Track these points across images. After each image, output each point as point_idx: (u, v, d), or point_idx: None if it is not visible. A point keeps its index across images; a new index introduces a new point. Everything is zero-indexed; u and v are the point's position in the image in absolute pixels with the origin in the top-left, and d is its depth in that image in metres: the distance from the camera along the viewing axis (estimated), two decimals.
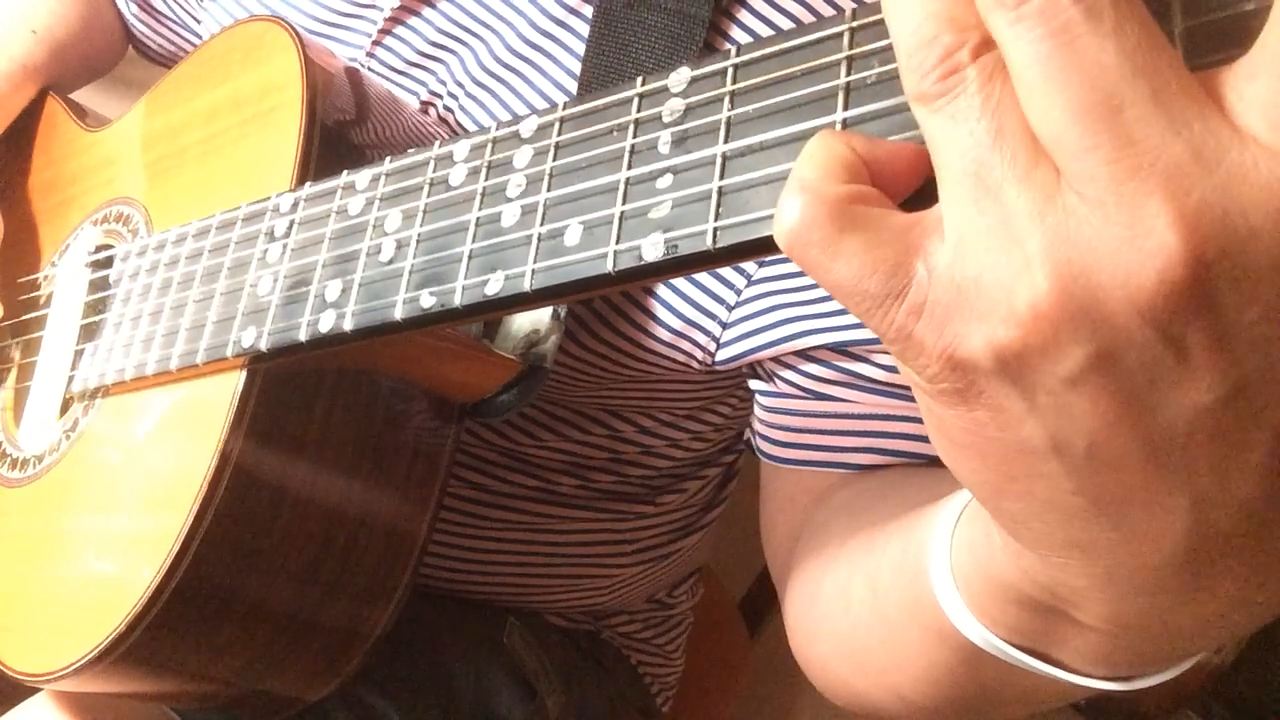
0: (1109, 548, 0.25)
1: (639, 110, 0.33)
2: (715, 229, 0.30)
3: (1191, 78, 0.21)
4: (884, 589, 0.41)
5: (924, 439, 0.51)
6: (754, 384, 0.58)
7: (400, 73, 0.62)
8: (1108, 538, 0.25)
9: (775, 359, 0.55)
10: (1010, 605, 0.32)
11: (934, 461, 0.51)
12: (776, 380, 0.56)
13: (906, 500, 0.44)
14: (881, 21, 0.27)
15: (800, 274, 0.53)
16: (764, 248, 0.29)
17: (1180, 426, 0.23)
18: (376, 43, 0.62)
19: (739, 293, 0.54)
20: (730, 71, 0.31)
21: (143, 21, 0.79)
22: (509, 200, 0.37)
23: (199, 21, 0.75)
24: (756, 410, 0.58)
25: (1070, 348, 0.22)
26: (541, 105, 0.57)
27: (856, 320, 0.51)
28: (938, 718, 0.42)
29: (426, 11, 0.61)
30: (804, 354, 0.53)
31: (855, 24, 0.28)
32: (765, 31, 0.52)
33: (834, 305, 0.52)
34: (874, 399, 0.52)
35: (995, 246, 0.22)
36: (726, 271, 0.54)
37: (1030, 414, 0.23)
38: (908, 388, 0.51)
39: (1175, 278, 0.21)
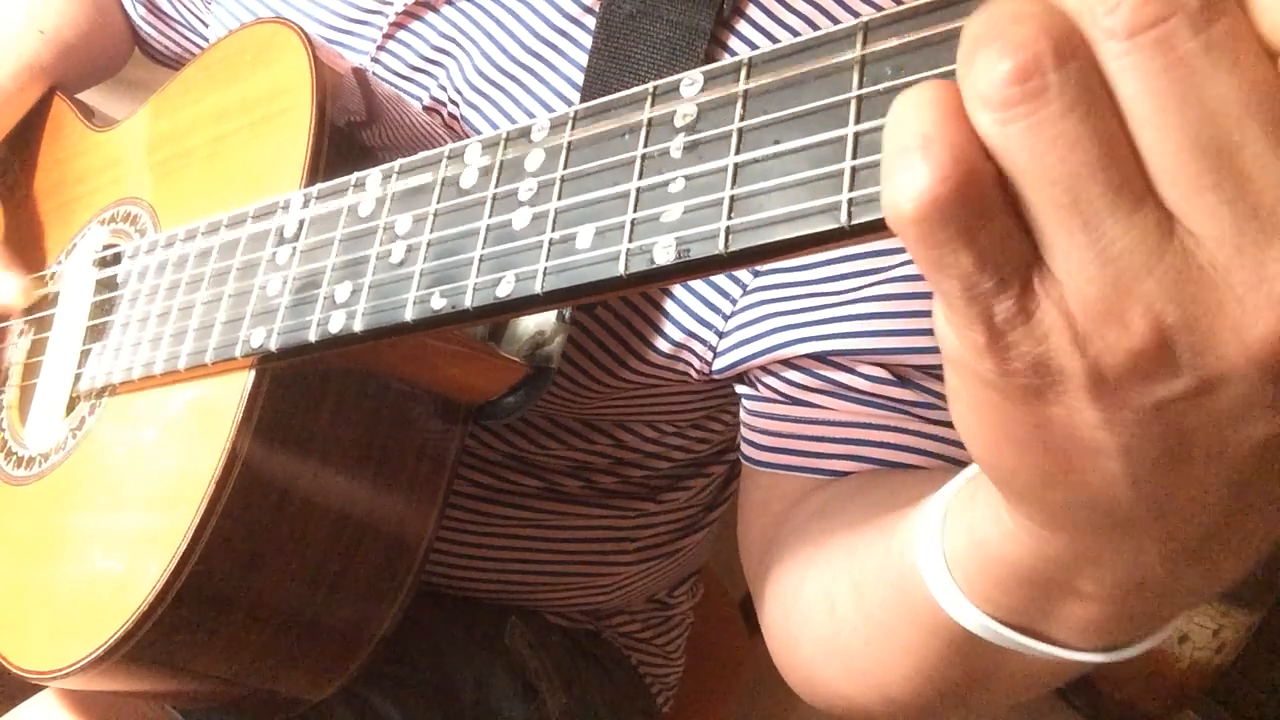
0: (1148, 526, 0.26)
1: (651, 114, 0.33)
2: (728, 234, 0.30)
3: None
4: (868, 590, 0.42)
5: (903, 449, 0.51)
6: (739, 388, 0.58)
7: (404, 78, 0.62)
8: (1150, 518, 0.26)
9: (762, 366, 0.55)
10: (1013, 585, 0.32)
11: (909, 469, 0.52)
12: (759, 385, 0.56)
13: (879, 502, 0.44)
14: (894, 20, 0.27)
15: (790, 284, 0.53)
16: (775, 251, 0.29)
17: (1252, 443, 0.23)
18: (381, 47, 0.63)
19: (734, 302, 0.54)
20: (743, 75, 0.31)
21: (150, 24, 0.79)
22: (520, 204, 0.37)
23: (206, 25, 0.75)
24: (741, 414, 0.59)
25: (1173, 381, 0.22)
26: (542, 114, 0.57)
27: (843, 331, 0.51)
28: (923, 714, 0.43)
29: (429, 16, 0.61)
30: (787, 361, 0.54)
31: (868, 20, 0.28)
32: (764, 44, 0.52)
33: (821, 315, 0.52)
34: (855, 408, 0.53)
35: (1108, 278, 0.22)
36: (724, 282, 0.55)
37: (1110, 420, 0.23)
38: (889, 398, 0.51)
39: None
